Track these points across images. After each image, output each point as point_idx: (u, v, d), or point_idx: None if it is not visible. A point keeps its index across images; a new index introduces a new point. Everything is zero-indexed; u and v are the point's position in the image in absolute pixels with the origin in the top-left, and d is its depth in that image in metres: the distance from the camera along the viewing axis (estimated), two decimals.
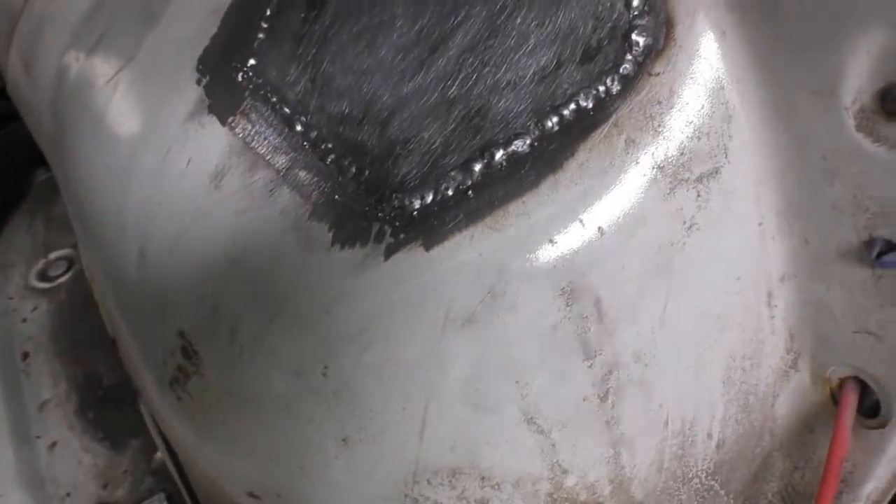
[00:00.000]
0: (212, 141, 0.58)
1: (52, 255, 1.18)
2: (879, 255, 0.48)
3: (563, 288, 0.51)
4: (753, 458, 0.61)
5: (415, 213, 0.52)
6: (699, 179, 0.51)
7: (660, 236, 0.51)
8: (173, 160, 0.59)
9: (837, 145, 0.47)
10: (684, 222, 0.51)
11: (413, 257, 0.51)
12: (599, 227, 0.51)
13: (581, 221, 0.51)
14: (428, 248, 0.51)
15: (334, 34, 0.57)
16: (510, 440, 0.53)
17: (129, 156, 0.62)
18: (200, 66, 0.60)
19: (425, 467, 0.53)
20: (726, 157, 0.51)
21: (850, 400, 0.54)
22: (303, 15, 0.58)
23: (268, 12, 0.59)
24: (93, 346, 1.06)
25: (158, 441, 0.89)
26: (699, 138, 0.51)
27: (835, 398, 0.56)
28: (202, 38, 0.62)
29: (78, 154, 0.70)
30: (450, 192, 0.52)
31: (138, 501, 0.89)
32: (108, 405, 1.00)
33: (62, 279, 1.14)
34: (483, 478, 0.53)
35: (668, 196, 0.51)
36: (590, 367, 0.52)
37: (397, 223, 0.52)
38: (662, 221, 0.51)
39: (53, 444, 0.97)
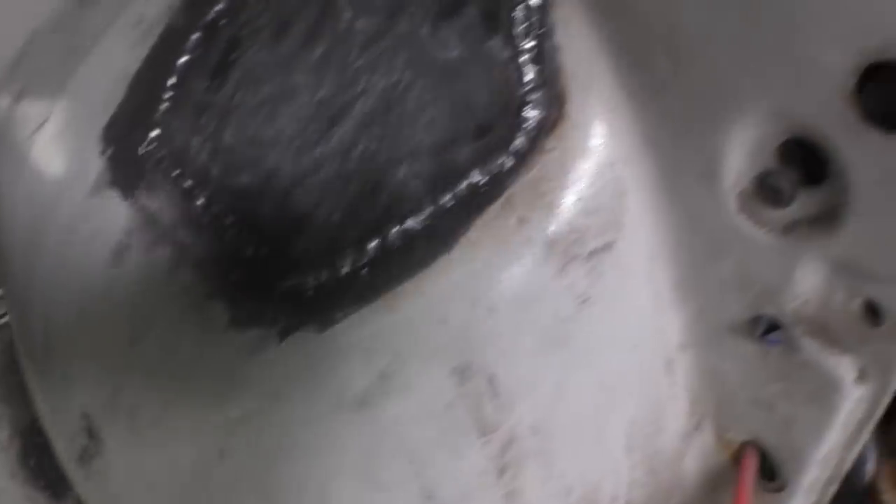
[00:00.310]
0: (114, 216, 0.57)
1: None
2: (765, 332, 0.48)
3: (456, 367, 0.51)
4: None
5: (309, 293, 0.52)
6: (592, 255, 0.51)
7: (553, 312, 0.51)
8: (78, 234, 0.58)
9: (722, 226, 0.47)
10: (578, 297, 0.51)
11: (306, 339, 0.51)
12: (492, 306, 0.50)
13: (473, 301, 0.51)
14: (321, 329, 0.51)
15: (237, 104, 0.57)
16: None
17: (37, 225, 0.61)
18: (105, 136, 0.60)
19: None
20: (619, 232, 0.51)
21: (751, 463, 0.54)
22: (206, 84, 0.58)
23: (172, 80, 0.59)
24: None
25: None
26: (591, 215, 0.51)
27: (737, 460, 0.56)
28: (112, 103, 0.61)
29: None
30: (344, 271, 0.52)
31: None
32: (49, 454, 1.00)
33: (5, 318, 1.13)
34: None
35: (561, 272, 0.51)
36: (486, 442, 0.52)
37: (292, 304, 0.52)
38: (556, 298, 0.51)
39: None
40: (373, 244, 0.52)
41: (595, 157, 0.51)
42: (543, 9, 0.51)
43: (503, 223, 0.51)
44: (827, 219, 0.42)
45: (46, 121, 0.67)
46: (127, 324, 0.55)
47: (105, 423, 0.55)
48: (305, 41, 0.56)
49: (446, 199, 0.52)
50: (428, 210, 0.52)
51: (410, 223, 0.52)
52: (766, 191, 0.44)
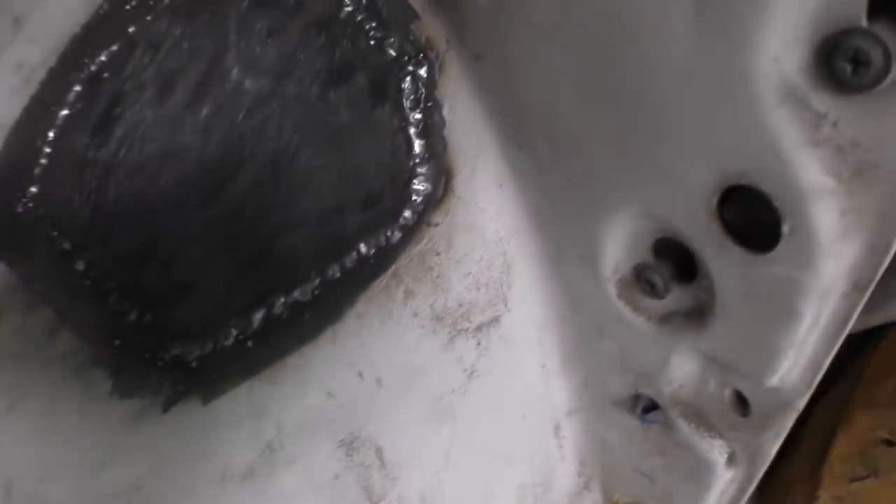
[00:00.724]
0: None
1: None
2: (645, 410, 0.49)
3: (344, 440, 0.50)
4: None
5: (193, 364, 0.51)
6: (479, 328, 0.51)
7: (440, 385, 0.51)
8: None
9: (603, 308, 0.47)
10: (465, 370, 0.51)
11: (191, 411, 0.50)
12: (378, 379, 0.50)
13: (360, 374, 0.50)
14: (206, 401, 0.50)
15: (120, 162, 0.55)
16: None
17: None
18: None
19: None
20: (506, 305, 0.51)
21: None
22: (88, 140, 0.55)
23: (50, 135, 0.56)
24: None
25: None
26: (478, 289, 0.50)
27: None
28: None
29: None
30: (229, 343, 0.51)
31: None
32: None
33: None
34: None
35: (448, 346, 0.51)
36: None
37: (176, 374, 0.51)
38: (442, 370, 0.51)
39: None
40: (258, 315, 0.51)
41: (482, 231, 0.50)
42: (430, 82, 0.50)
43: (390, 296, 0.50)
44: (698, 314, 0.42)
45: None
46: (4, 390, 0.53)
47: None
48: (192, 99, 0.54)
49: (334, 270, 0.51)
50: (315, 281, 0.51)
51: (297, 294, 0.51)
52: (642, 282, 0.44)
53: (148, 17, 0.57)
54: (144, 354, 0.52)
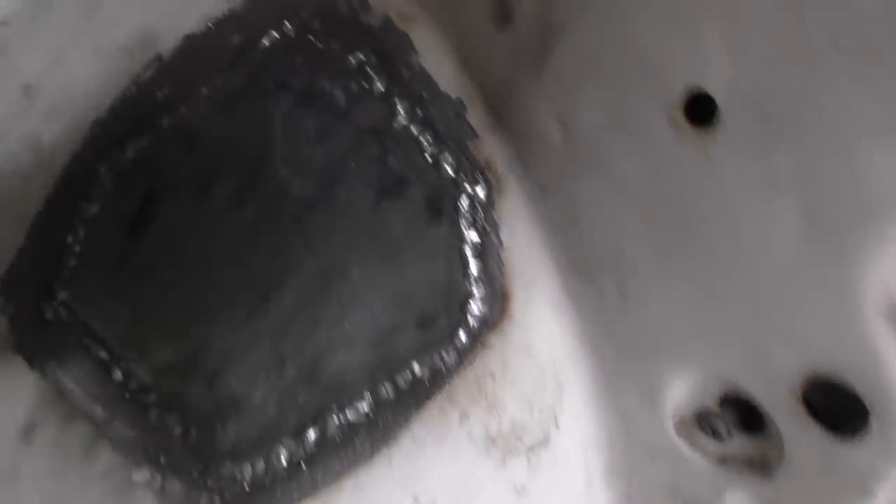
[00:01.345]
0: (20, 387, 0.53)
1: None
2: None
3: None
4: None
5: (246, 485, 0.50)
6: (530, 449, 0.52)
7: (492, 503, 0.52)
8: None
9: (658, 440, 0.49)
10: (515, 489, 0.52)
11: None
12: (433, 500, 0.50)
13: (415, 497, 0.50)
14: None
15: (157, 267, 0.53)
16: None
17: None
18: (4, 291, 0.54)
19: None
20: (557, 426, 0.52)
21: None
22: (121, 239, 0.53)
23: (81, 232, 0.54)
24: None
25: None
26: (531, 411, 0.51)
27: None
28: (6, 250, 0.56)
29: None
30: (283, 464, 0.51)
31: None
32: None
33: None
34: None
35: (500, 466, 0.51)
36: None
37: (227, 495, 0.50)
38: (495, 490, 0.52)
39: None
40: (311, 435, 0.51)
41: (537, 355, 0.51)
42: (489, 203, 0.49)
43: (445, 418, 0.51)
44: (761, 463, 0.44)
45: None
46: None
47: None
48: (235, 200, 0.53)
49: (387, 390, 0.51)
50: (369, 400, 0.51)
51: (350, 414, 0.51)
52: (703, 425, 0.46)
53: (182, 109, 0.55)
54: (193, 473, 0.51)
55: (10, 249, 0.56)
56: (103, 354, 0.53)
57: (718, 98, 0.36)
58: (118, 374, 0.53)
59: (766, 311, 0.37)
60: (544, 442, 0.52)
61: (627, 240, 0.43)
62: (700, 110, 0.38)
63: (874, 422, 0.36)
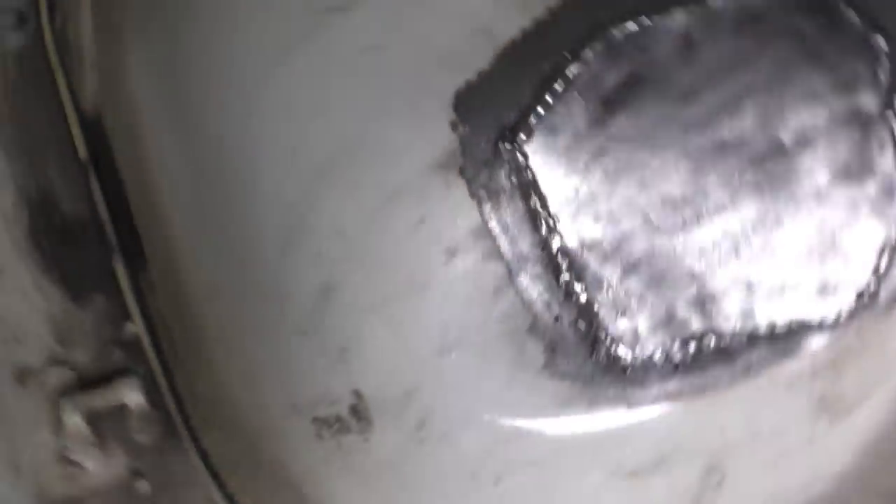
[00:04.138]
0: (455, 210, 0.57)
1: None
2: None
3: (709, 465, 0.64)
4: None
5: (627, 368, 0.60)
6: (838, 412, 0.65)
7: (789, 445, 0.65)
8: (400, 209, 0.57)
9: None
10: (810, 439, 0.66)
11: (616, 412, 0.60)
12: (756, 431, 0.63)
13: (747, 422, 0.63)
14: (630, 407, 0.60)
15: (614, 150, 0.58)
16: None
17: (333, 159, 0.58)
18: (460, 108, 0.57)
19: None
20: (865, 403, 0.65)
21: None
22: (590, 112, 0.58)
23: (557, 86, 0.57)
24: (50, 157, 0.94)
25: (139, 317, 0.87)
26: (858, 386, 0.64)
27: None
28: (461, 62, 0.58)
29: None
30: (662, 362, 0.60)
31: (104, 374, 0.88)
32: (68, 240, 0.93)
33: (11, 40, 0.96)
34: None
35: (814, 419, 0.65)
36: None
37: (609, 373, 0.59)
38: (798, 435, 0.65)
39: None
40: (692, 348, 0.61)
41: (875, 342, 0.63)
42: None
43: (802, 373, 0.62)
44: None
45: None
46: (438, 329, 0.58)
47: (384, 414, 0.59)
48: (703, 122, 0.59)
49: (765, 333, 0.61)
50: (747, 336, 0.61)
51: (729, 341, 0.61)
52: None
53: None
54: (583, 342, 0.59)
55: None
56: (538, 206, 0.58)
57: None
58: (544, 230, 0.59)
59: None
60: (849, 411, 0.66)
61: None
62: None
63: None
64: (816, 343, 0.62)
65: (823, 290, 0.61)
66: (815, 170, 0.60)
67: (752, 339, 0.61)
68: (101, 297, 0.92)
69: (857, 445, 0.68)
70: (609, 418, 0.60)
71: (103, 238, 0.88)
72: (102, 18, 0.65)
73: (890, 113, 0.60)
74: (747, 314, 0.61)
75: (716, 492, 0.66)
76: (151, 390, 0.86)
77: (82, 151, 0.88)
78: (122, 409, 0.86)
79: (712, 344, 0.61)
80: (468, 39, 0.58)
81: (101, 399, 0.85)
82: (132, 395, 0.85)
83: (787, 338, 0.61)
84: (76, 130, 0.90)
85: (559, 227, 0.58)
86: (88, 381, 0.86)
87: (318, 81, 0.60)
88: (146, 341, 0.86)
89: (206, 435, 0.75)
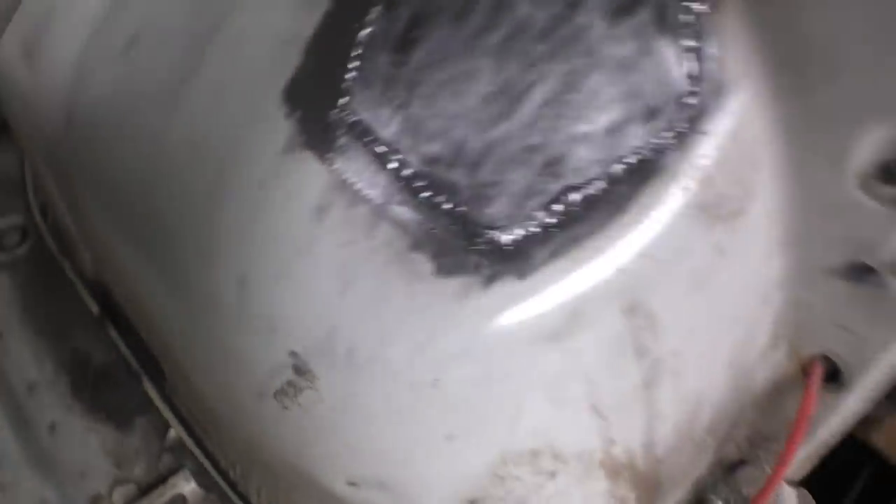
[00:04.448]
0: (311, 176, 0.69)
1: (1, 223, 1.20)
2: (858, 275, 0.70)
3: (626, 306, 0.68)
4: (735, 414, 0.84)
5: (506, 247, 0.67)
6: (730, 215, 0.70)
7: (700, 262, 0.70)
8: (271, 193, 0.69)
9: (841, 196, 0.67)
10: (717, 250, 0.70)
11: (509, 285, 0.67)
12: (657, 258, 0.68)
13: (642, 254, 0.68)
14: (521, 277, 0.67)
15: (422, 80, 0.69)
16: (578, 426, 0.71)
17: (214, 183, 0.71)
18: (289, 99, 0.70)
19: (512, 451, 0.70)
20: (752, 198, 0.70)
21: (819, 371, 0.77)
22: (391, 58, 0.69)
23: (357, 52, 0.69)
24: (72, 324, 1.12)
25: (174, 420, 1.00)
26: (735, 185, 0.69)
27: (804, 370, 0.79)
28: (281, 68, 0.71)
29: (130, 167, 0.77)
30: (536, 230, 0.67)
31: (161, 478, 1.00)
32: (105, 384, 1.09)
33: (19, 251, 1.17)
34: (555, 455, 0.72)
35: (708, 230, 0.69)
36: (640, 364, 0.71)
37: (493, 255, 0.67)
38: (702, 250, 0.69)
39: (53, 426, 1.05)
40: (559, 207, 0.68)
41: (742, 139, 0.68)
42: (708, 15, 0.67)
43: (666, 191, 0.68)
44: None
45: (194, 73, 0.75)
46: (334, 275, 0.68)
47: (319, 359, 0.68)
48: (485, 26, 0.69)
49: (620, 170, 0.68)
50: (605, 179, 0.68)
51: (590, 190, 0.68)
52: (883, 174, 0.64)
53: None
54: (461, 241, 0.68)
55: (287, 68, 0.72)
56: (380, 149, 0.69)
57: None
58: (393, 164, 0.69)
59: None
60: (741, 211, 0.70)
61: (851, 28, 0.60)
62: None
63: None
64: (671, 162, 0.68)
65: (651, 114, 0.68)
66: (594, 20, 0.68)
67: (609, 180, 0.68)
68: (141, 419, 1.07)
69: (769, 241, 0.72)
70: (508, 294, 0.67)
71: (130, 370, 1.04)
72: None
73: None
74: (594, 161, 0.68)
75: (653, 332, 0.70)
76: (200, 474, 0.98)
77: (95, 309, 1.06)
78: (181, 500, 0.98)
79: (575, 197, 0.68)
80: (281, 49, 0.72)
81: (160, 498, 0.97)
82: (187, 486, 0.97)
83: (639, 168, 0.68)
84: (86, 295, 1.09)
85: (403, 157, 0.69)
86: (148, 487, 0.98)
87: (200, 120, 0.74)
88: (188, 440, 0.99)
89: (250, 492, 0.85)
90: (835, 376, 0.78)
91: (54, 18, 0.84)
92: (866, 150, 0.64)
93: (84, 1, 0.83)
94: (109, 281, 0.99)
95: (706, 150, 0.68)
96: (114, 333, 1.06)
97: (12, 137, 1.15)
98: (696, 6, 0.67)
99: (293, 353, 0.69)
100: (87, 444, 1.05)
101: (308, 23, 0.72)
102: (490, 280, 0.67)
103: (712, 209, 0.69)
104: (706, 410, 0.80)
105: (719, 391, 0.79)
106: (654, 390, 0.73)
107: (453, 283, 0.67)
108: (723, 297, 0.72)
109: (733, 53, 0.67)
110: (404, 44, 0.70)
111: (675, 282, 0.69)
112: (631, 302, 0.68)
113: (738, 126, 0.68)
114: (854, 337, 0.74)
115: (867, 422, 0.87)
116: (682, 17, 0.67)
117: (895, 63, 0.59)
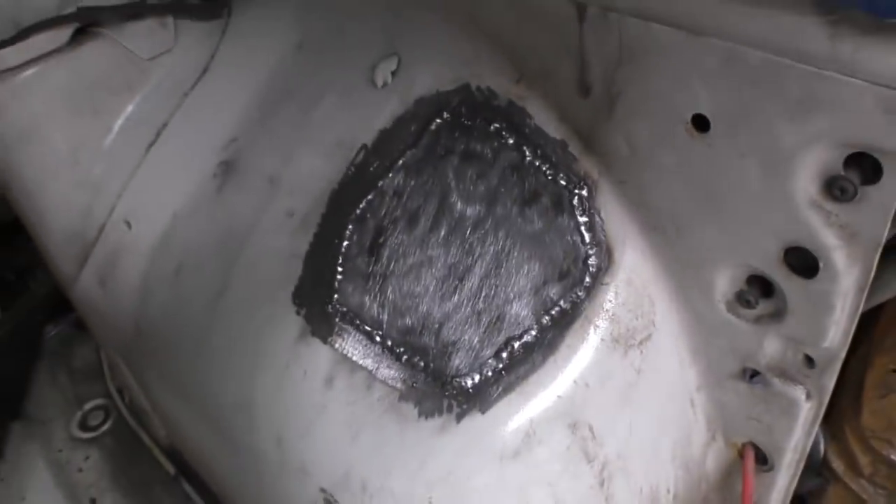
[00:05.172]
0: (319, 356, 0.95)
1: (87, 406, 1.50)
2: (750, 377, 0.90)
3: (570, 423, 0.91)
4: (698, 499, 1.03)
5: (470, 389, 0.91)
6: (641, 343, 0.92)
7: (622, 382, 0.92)
8: (292, 372, 0.95)
9: (717, 319, 0.89)
10: (636, 371, 0.92)
11: (475, 419, 0.90)
12: (586, 383, 0.91)
13: (575, 382, 0.91)
14: (484, 411, 0.90)
15: (391, 272, 0.95)
16: None
17: (250, 369, 0.98)
18: (297, 300, 0.97)
19: None
20: (654, 327, 0.92)
21: (750, 455, 0.96)
22: (366, 260, 0.96)
23: (340, 260, 0.97)
24: (154, 484, 1.39)
25: None
26: (637, 319, 0.92)
27: (740, 456, 0.98)
28: (288, 278, 0.99)
29: (184, 360, 1.05)
30: (490, 374, 0.91)
31: None
32: None
33: (104, 427, 1.46)
34: None
35: (624, 357, 0.92)
36: (591, 467, 0.92)
37: (460, 398, 0.91)
38: (623, 373, 0.92)
39: None
40: (505, 354, 0.92)
41: (635, 284, 0.92)
42: (590, 197, 0.92)
43: (584, 331, 0.91)
44: (778, 314, 0.84)
45: (226, 289, 1.04)
46: (345, 428, 0.93)
47: (342, 495, 0.92)
48: (433, 225, 0.95)
49: (546, 320, 0.92)
50: (536, 328, 0.92)
51: (527, 338, 0.92)
52: (741, 301, 0.86)
53: (389, 175, 0.99)
54: (436, 389, 0.92)
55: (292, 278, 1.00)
56: (367, 328, 0.95)
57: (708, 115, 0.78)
58: (378, 338, 0.95)
59: (752, 221, 0.79)
60: (648, 337, 0.93)
61: (676, 201, 0.84)
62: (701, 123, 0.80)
63: (822, 264, 0.76)
64: (584, 309, 0.92)
65: (564, 275, 0.93)
66: (510, 209, 0.94)
67: (540, 328, 0.92)
68: None
69: (680, 357, 0.94)
70: (475, 425, 0.90)
71: None
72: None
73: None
74: (526, 316, 0.93)
75: (595, 441, 0.92)
76: None
77: (171, 469, 1.34)
78: None
79: (516, 345, 0.92)
80: (286, 264, 1.01)
81: None
82: None
83: (562, 317, 0.92)
84: (163, 458, 1.37)
85: (385, 331, 0.95)
86: None
87: (234, 324, 1.02)
88: None
89: None
90: (765, 459, 0.97)
91: (120, 258, 1.16)
92: (723, 283, 0.87)
93: (140, 243, 1.14)
94: (180, 446, 1.27)
95: (609, 296, 0.92)
96: (188, 488, 1.33)
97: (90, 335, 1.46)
98: (580, 192, 0.92)
99: (323, 490, 0.93)
100: None
101: (304, 241, 1.00)
102: (460, 416, 0.91)
103: (624, 339, 0.92)
104: (664, 498, 1.00)
105: (671, 482, 0.99)
106: (608, 487, 0.94)
107: (434, 423, 0.91)
108: (649, 405, 0.94)
109: (614, 223, 0.92)
110: (373, 248, 0.97)
111: (605, 400, 0.92)
112: (573, 419, 0.91)
113: (630, 275, 0.92)
114: (765, 426, 0.94)
115: (815, 494, 1.05)
116: (574, 201, 0.92)
117: (717, 220, 0.82)
